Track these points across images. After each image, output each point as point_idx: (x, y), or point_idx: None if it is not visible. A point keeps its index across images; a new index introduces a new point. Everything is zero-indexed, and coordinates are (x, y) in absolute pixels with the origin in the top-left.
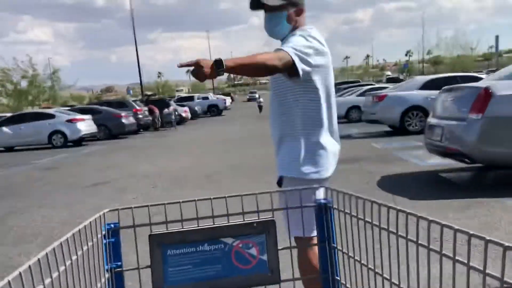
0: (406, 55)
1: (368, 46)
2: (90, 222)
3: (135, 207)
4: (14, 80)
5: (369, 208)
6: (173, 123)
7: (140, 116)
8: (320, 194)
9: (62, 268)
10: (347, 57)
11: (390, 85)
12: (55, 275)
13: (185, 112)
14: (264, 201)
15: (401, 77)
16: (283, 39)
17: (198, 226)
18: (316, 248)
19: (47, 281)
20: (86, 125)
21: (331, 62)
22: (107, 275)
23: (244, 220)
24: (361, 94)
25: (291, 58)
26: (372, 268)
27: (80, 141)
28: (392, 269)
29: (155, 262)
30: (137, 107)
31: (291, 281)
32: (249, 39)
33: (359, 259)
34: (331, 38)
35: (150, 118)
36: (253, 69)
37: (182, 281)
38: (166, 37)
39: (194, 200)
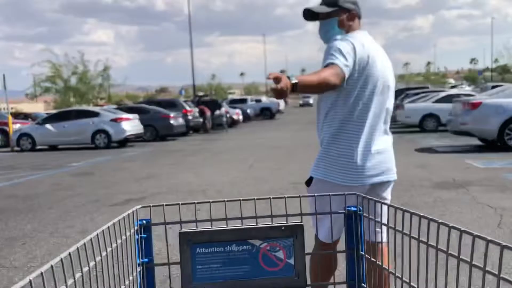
0: (470, 62)
1: (428, 53)
2: (124, 217)
3: (166, 205)
4: (65, 77)
5: (401, 217)
6: (224, 126)
7: (190, 117)
8: (350, 201)
9: (98, 259)
10: (406, 64)
11: (471, 91)
12: (92, 264)
13: (237, 114)
14: (294, 205)
15: (464, 85)
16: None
17: (227, 227)
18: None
19: (85, 269)
20: (131, 125)
21: (377, 66)
22: (138, 269)
23: (272, 223)
24: (438, 101)
25: (344, 73)
26: (400, 276)
27: (125, 142)
28: (421, 277)
29: (184, 259)
30: (188, 108)
31: (318, 285)
32: (304, 44)
33: (387, 268)
34: (389, 44)
35: (201, 119)
36: (318, 87)
37: (210, 279)
38: (222, 40)
39: (224, 201)
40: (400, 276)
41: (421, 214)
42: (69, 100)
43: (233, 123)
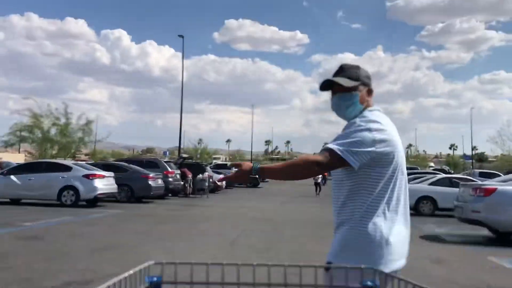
0: (450, 148)
1: (408, 136)
2: (135, 272)
3: (179, 263)
4: (45, 128)
5: None
6: (205, 191)
7: (171, 179)
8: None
9: None
10: None
11: (465, 175)
12: None
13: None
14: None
15: (446, 168)
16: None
17: None
18: None
19: None
20: (104, 183)
21: (397, 146)
22: None
23: None
24: (434, 183)
25: (338, 153)
26: None
27: (95, 201)
28: None
29: None
30: (169, 169)
31: None
32: (289, 117)
33: None
34: None
35: (182, 182)
36: (293, 170)
37: None
38: (212, 109)
39: (237, 264)
40: None
41: None
42: (46, 152)
43: (215, 188)
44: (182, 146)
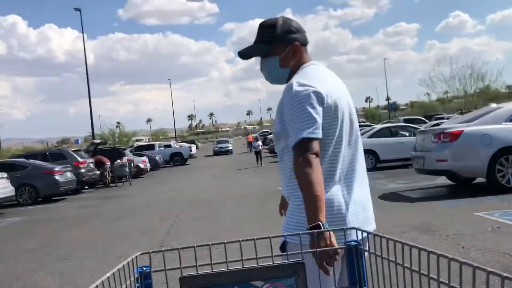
0: (366, 101)
1: None
2: (123, 265)
3: (165, 250)
4: None
5: (401, 250)
6: (127, 177)
7: (83, 170)
8: (351, 236)
9: None
10: None
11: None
12: None
13: (143, 162)
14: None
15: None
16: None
17: (228, 269)
18: None
19: None
20: None
21: (339, 101)
22: None
23: (273, 263)
24: (374, 135)
25: (310, 137)
26: None
27: None
28: None
29: None
30: (80, 159)
31: None
32: (209, 89)
33: None
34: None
35: (98, 172)
36: (308, 182)
37: None
38: (128, 89)
39: (223, 243)
40: None
41: (420, 247)
42: None
43: (139, 172)
44: (98, 132)
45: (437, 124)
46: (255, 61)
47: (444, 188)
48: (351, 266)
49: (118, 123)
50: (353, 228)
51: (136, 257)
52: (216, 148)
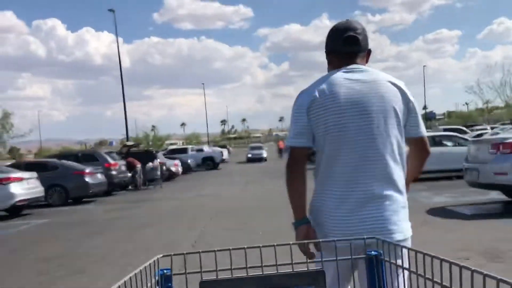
0: None
1: None
2: (145, 267)
3: (187, 253)
4: None
5: (421, 260)
6: (158, 181)
7: (114, 172)
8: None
9: None
10: None
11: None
12: None
13: (175, 165)
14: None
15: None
16: None
17: (247, 275)
18: None
19: None
20: (24, 187)
21: (328, 107)
22: None
23: (293, 270)
24: None
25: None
26: None
27: (17, 210)
28: None
29: None
30: (111, 161)
31: None
32: (241, 95)
33: None
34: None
35: (129, 174)
36: (289, 187)
37: None
38: (162, 93)
39: (244, 248)
40: None
41: (442, 258)
42: None
43: (171, 176)
44: (134, 136)
45: (481, 135)
46: (288, 67)
47: (499, 204)
48: (371, 275)
49: (153, 126)
50: (373, 237)
51: (157, 259)
52: (250, 155)
